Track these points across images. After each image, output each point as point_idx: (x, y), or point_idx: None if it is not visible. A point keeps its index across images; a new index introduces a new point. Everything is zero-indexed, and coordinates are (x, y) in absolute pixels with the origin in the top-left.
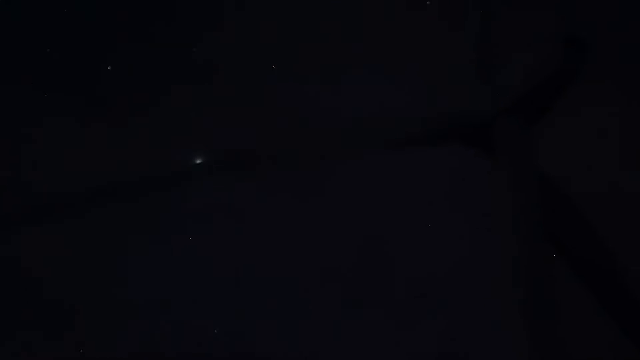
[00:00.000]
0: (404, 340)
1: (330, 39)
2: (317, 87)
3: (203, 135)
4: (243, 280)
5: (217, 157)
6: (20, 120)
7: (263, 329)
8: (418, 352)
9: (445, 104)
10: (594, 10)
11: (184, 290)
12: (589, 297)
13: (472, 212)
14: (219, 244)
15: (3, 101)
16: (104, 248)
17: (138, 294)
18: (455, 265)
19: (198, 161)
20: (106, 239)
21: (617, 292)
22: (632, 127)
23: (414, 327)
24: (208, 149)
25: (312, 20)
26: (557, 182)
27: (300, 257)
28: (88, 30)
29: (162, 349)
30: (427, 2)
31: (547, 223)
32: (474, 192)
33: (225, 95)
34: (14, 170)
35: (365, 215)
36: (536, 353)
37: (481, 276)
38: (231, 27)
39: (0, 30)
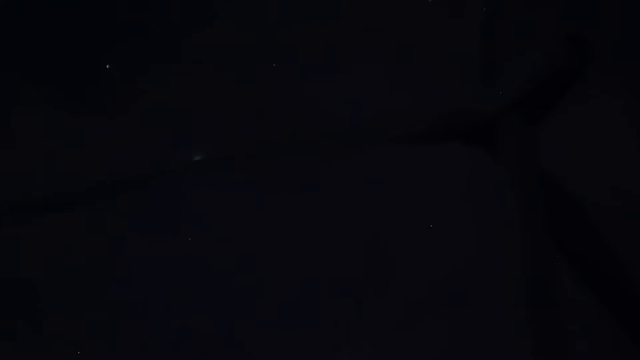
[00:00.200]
0: (406, 341)
1: (332, 36)
2: (319, 85)
3: (202, 133)
4: (243, 280)
5: (216, 155)
6: (19, 118)
7: (263, 329)
8: (420, 352)
9: (447, 102)
10: (598, 8)
11: (183, 290)
12: (591, 296)
13: (474, 211)
14: (217, 243)
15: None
16: (101, 247)
17: (137, 294)
18: (457, 264)
19: (196, 159)
20: (104, 238)
21: (619, 291)
22: (635, 126)
23: (416, 328)
24: (207, 148)
25: (313, 19)
26: (559, 180)
27: (301, 256)
28: (86, 29)
29: (161, 349)
30: (429, 0)
31: (549, 222)
32: (476, 191)
33: (225, 94)
34: (11, 168)
35: (367, 214)
36: (539, 352)
37: (484, 276)
38: (231, 25)
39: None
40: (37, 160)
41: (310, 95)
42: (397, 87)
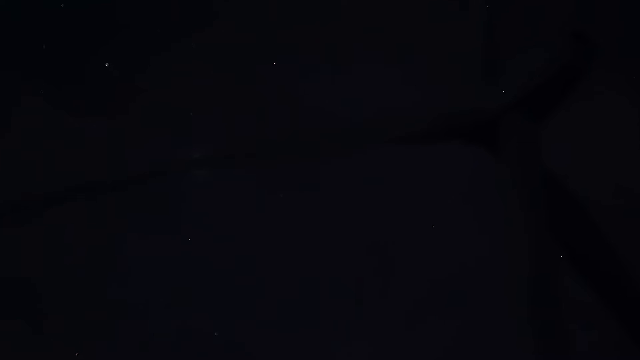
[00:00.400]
0: (406, 341)
1: (332, 36)
2: (319, 84)
3: (202, 133)
4: (243, 280)
5: (216, 155)
6: (19, 118)
7: (263, 329)
8: (421, 352)
9: (449, 100)
10: (602, 4)
11: (183, 290)
12: (592, 296)
13: (476, 210)
14: (217, 243)
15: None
16: (101, 247)
17: (137, 294)
18: (459, 264)
19: (196, 159)
20: (104, 237)
21: (621, 291)
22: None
23: (417, 328)
24: (207, 148)
25: (313, 19)
26: (562, 179)
27: (301, 256)
28: (87, 29)
29: (161, 349)
30: None
31: (552, 221)
32: (478, 190)
33: (225, 94)
34: (10, 167)
35: (368, 214)
36: (541, 352)
37: (486, 276)
38: (231, 25)
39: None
40: (36, 159)
41: (310, 95)
42: (398, 86)
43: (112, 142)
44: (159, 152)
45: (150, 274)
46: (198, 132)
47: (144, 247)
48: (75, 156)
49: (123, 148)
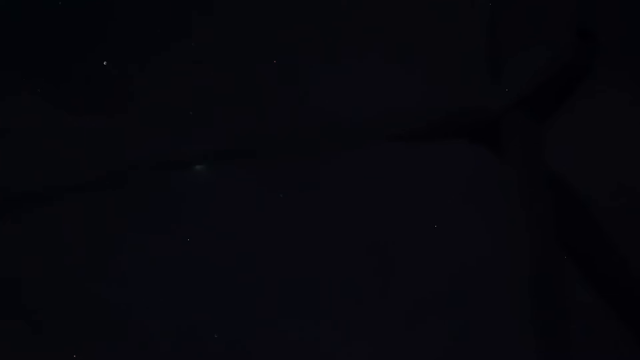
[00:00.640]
0: (407, 341)
1: (332, 36)
2: (322, 80)
3: (202, 133)
4: (243, 280)
5: (216, 154)
6: (18, 118)
7: (263, 329)
8: (421, 353)
9: (452, 99)
10: (606, 3)
11: (183, 290)
12: (595, 296)
13: (479, 210)
14: (217, 242)
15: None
16: (100, 247)
17: (137, 294)
18: (461, 264)
19: (196, 158)
20: (103, 237)
21: (623, 291)
22: None
23: (417, 328)
24: (207, 148)
25: (313, 19)
26: (566, 179)
27: (301, 256)
28: (87, 28)
29: (161, 349)
30: None
31: (555, 221)
32: (481, 190)
33: (225, 94)
34: (10, 167)
35: (369, 214)
36: (544, 352)
37: (488, 276)
38: (231, 25)
39: None
40: (36, 159)
41: (310, 94)
42: (400, 85)
43: (112, 141)
44: (159, 151)
45: (150, 273)
46: (198, 132)
47: (144, 247)
48: (74, 155)
49: (122, 147)
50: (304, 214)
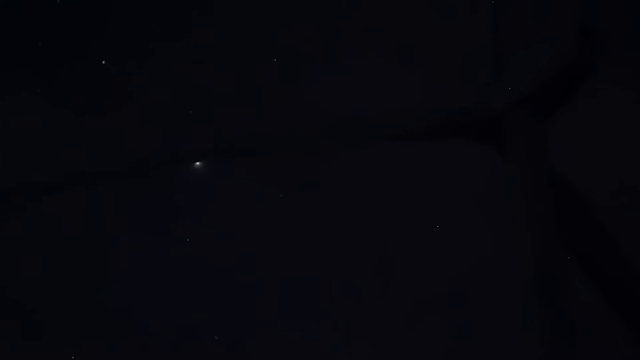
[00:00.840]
0: (407, 341)
1: (332, 36)
2: (322, 80)
3: (202, 133)
4: (243, 279)
5: (216, 154)
6: (18, 118)
7: (263, 329)
8: (422, 353)
9: (454, 98)
10: (609, 1)
11: (183, 290)
12: (598, 296)
13: (482, 210)
14: (217, 242)
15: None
16: (100, 246)
17: (137, 294)
18: (464, 264)
19: (196, 158)
20: (103, 237)
21: (626, 291)
22: None
23: (418, 328)
24: (207, 148)
25: (313, 19)
26: (569, 178)
27: (301, 255)
28: (87, 28)
29: (161, 349)
30: None
31: (558, 221)
32: (484, 189)
33: (225, 94)
34: (9, 166)
35: (370, 214)
36: (548, 352)
37: (491, 276)
38: (231, 25)
39: None
40: (35, 159)
41: (310, 94)
42: (403, 85)
43: (111, 141)
44: (159, 151)
45: (150, 273)
46: (198, 132)
47: (144, 247)
48: (73, 155)
49: (122, 147)
50: (303, 213)
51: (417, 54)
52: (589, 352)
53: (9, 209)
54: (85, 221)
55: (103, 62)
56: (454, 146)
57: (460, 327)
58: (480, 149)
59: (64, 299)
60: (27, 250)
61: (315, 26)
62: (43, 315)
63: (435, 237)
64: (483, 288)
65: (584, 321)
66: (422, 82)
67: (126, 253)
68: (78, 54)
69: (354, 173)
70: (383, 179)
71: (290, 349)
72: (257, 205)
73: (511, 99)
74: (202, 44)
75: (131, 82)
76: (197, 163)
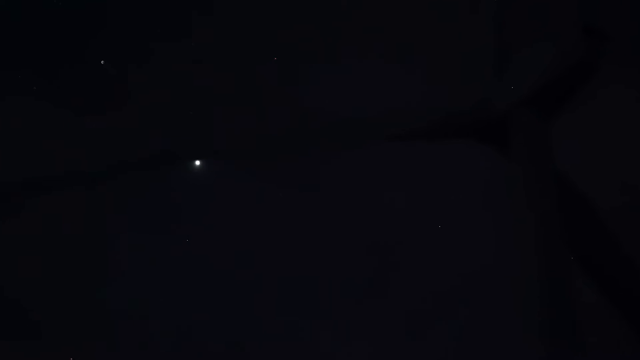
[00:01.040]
0: (407, 341)
1: (332, 36)
2: (324, 79)
3: (202, 133)
4: (243, 280)
5: (216, 154)
6: (17, 118)
7: (263, 329)
8: (422, 353)
9: (458, 98)
10: (612, 0)
11: (183, 290)
12: (601, 296)
13: (484, 210)
14: (217, 242)
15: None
16: (100, 246)
17: (137, 294)
18: (466, 265)
19: (196, 158)
20: (103, 237)
21: (629, 291)
22: None
23: (418, 328)
24: (207, 147)
25: (313, 19)
26: (573, 178)
27: (302, 256)
28: (87, 29)
29: (161, 349)
30: None
31: (562, 222)
32: (487, 190)
33: (225, 94)
34: (9, 166)
35: (371, 214)
36: (551, 353)
37: (494, 276)
38: (231, 25)
39: None
40: (35, 159)
41: (318, 87)
42: (405, 85)
43: (111, 141)
44: (159, 151)
45: (150, 273)
46: (198, 132)
47: (144, 247)
48: (73, 155)
49: (122, 147)
50: (303, 213)
51: (417, 54)
52: (591, 352)
53: (8, 208)
54: (85, 221)
55: (102, 62)
56: (455, 146)
57: (461, 327)
58: (481, 149)
59: (63, 298)
60: (27, 250)
61: (315, 26)
62: (42, 315)
63: (435, 237)
64: (484, 288)
65: (587, 321)
66: (422, 82)
67: (126, 253)
68: (78, 54)
69: (354, 173)
70: (383, 179)
71: (290, 348)
72: (257, 205)
73: (514, 99)
74: (202, 44)
75: (131, 82)
76: (197, 163)
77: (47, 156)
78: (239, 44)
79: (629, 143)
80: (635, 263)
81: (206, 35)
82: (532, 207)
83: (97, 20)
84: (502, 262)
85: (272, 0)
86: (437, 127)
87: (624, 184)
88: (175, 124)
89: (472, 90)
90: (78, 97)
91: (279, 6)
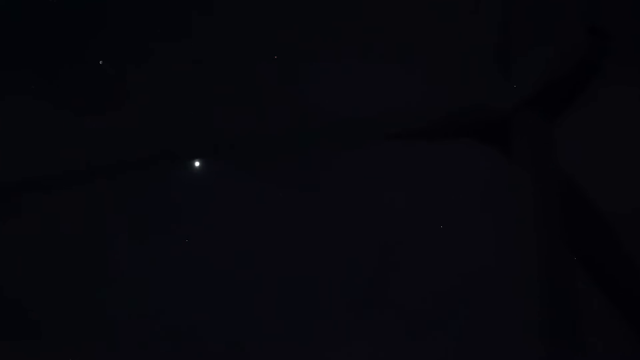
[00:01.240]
0: (408, 341)
1: (332, 36)
2: (324, 79)
3: (202, 133)
4: (243, 280)
5: (216, 154)
6: (16, 118)
7: (263, 329)
8: (422, 354)
9: (460, 97)
10: (616, 1)
11: (183, 290)
12: (603, 297)
13: (486, 210)
14: (217, 242)
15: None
16: (100, 246)
17: (136, 294)
18: (468, 265)
19: (196, 158)
20: (103, 237)
21: (631, 291)
22: None
23: (418, 328)
24: (208, 147)
25: (314, 19)
26: (576, 179)
27: (302, 255)
28: (88, 29)
29: (161, 349)
30: None
31: (565, 223)
32: (490, 190)
33: (225, 94)
34: (9, 166)
35: (371, 213)
36: (553, 353)
37: (496, 277)
38: (231, 25)
39: None
40: (35, 159)
41: (319, 87)
42: (407, 84)
43: (111, 141)
44: (158, 151)
45: (150, 273)
46: (198, 132)
47: (144, 247)
48: (73, 155)
49: (122, 147)
50: (303, 213)
51: (417, 54)
52: (592, 352)
53: (8, 208)
54: (84, 221)
55: (100, 62)
56: (455, 146)
57: (461, 327)
58: (481, 149)
59: (63, 298)
60: (26, 249)
61: (316, 26)
62: (42, 315)
63: (435, 237)
64: (485, 288)
65: (587, 321)
66: (422, 82)
67: (126, 253)
68: (78, 55)
69: (354, 173)
70: (383, 179)
71: (290, 348)
72: (257, 204)
73: (518, 100)
74: (202, 44)
75: (130, 82)
76: (197, 163)
77: (47, 156)
78: (239, 43)
79: (632, 143)
80: (636, 264)
81: (206, 35)
82: (534, 207)
83: (97, 20)
84: (502, 262)
85: (272, 0)
86: (438, 127)
87: (627, 185)
88: (175, 124)
89: (473, 90)
90: (78, 97)
91: (279, 6)
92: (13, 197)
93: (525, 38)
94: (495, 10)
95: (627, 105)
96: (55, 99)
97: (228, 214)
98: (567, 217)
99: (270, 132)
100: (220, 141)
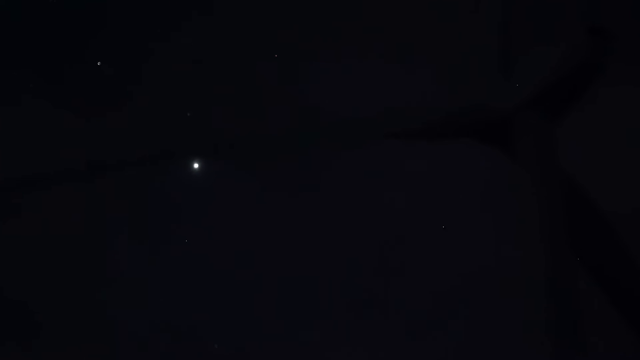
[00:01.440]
0: (407, 341)
1: (332, 36)
2: (324, 79)
3: (202, 133)
4: (243, 280)
5: (216, 154)
6: (16, 118)
7: (263, 329)
8: (422, 354)
9: (461, 97)
10: (618, 1)
11: (183, 290)
12: (604, 297)
13: (489, 211)
14: (217, 242)
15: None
16: (100, 246)
17: (137, 295)
18: (469, 265)
19: (196, 159)
20: (103, 237)
21: (633, 292)
22: None
23: (418, 328)
24: (208, 147)
25: (314, 19)
26: (578, 179)
27: (302, 255)
28: (88, 29)
29: (161, 349)
30: None
31: (567, 223)
32: (492, 191)
33: (225, 94)
34: (9, 166)
35: (371, 213)
36: (557, 353)
37: (498, 278)
38: (231, 25)
39: None
40: (35, 158)
41: (310, 95)
42: (407, 84)
43: (111, 141)
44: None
45: (150, 273)
46: (198, 132)
47: (144, 247)
48: (73, 155)
49: (122, 147)
50: (303, 213)
51: (417, 54)
52: (595, 353)
53: (8, 208)
54: (84, 221)
55: (98, 64)
56: (455, 146)
57: (462, 327)
58: (481, 149)
59: (63, 298)
60: (26, 249)
61: (316, 26)
62: (42, 315)
63: (435, 237)
64: (485, 289)
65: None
66: (422, 82)
67: (126, 253)
68: (78, 55)
69: (354, 173)
70: (383, 179)
71: (290, 349)
72: (257, 205)
73: (520, 100)
74: (202, 44)
75: (130, 82)
76: (197, 163)
77: (47, 156)
78: (239, 43)
79: (634, 143)
80: (638, 264)
81: (206, 35)
82: (534, 207)
83: (97, 20)
84: (503, 262)
85: (272, 0)
86: (438, 127)
87: (630, 185)
88: (175, 123)
89: (473, 90)
90: (78, 97)
91: (279, 6)
92: (13, 197)
93: (526, 38)
94: (495, 10)
95: (628, 105)
96: (55, 98)
97: (228, 214)
98: (568, 217)
99: (270, 132)
100: (220, 141)
